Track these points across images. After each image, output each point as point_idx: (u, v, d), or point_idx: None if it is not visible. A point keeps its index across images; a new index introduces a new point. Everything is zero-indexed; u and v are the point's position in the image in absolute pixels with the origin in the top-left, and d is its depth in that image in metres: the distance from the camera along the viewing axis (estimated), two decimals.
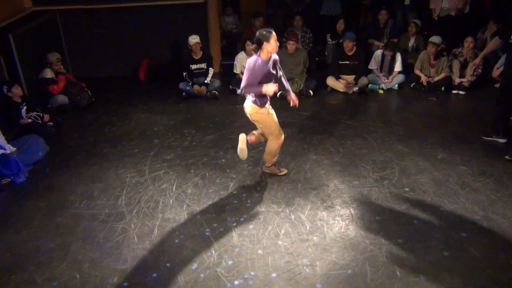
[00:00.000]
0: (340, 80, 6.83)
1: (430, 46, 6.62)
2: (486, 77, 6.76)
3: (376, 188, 4.19)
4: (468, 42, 6.58)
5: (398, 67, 6.82)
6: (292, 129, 5.53)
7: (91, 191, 4.29)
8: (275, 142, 4.25)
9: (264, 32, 3.84)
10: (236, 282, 3.09)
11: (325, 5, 8.27)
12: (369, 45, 7.85)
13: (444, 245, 3.39)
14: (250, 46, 6.69)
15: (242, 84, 3.95)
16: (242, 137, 4.33)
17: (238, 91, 3.93)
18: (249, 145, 4.39)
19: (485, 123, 5.57)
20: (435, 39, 6.60)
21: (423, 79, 6.77)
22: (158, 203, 4.06)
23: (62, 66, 6.43)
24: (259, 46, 3.88)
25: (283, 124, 5.64)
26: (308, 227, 3.64)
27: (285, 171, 4.49)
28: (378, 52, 6.90)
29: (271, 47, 3.85)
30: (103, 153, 5.07)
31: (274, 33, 3.86)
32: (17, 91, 5.36)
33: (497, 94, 5.05)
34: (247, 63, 3.96)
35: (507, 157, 4.55)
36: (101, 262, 3.32)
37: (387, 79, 6.83)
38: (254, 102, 4.05)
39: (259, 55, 3.91)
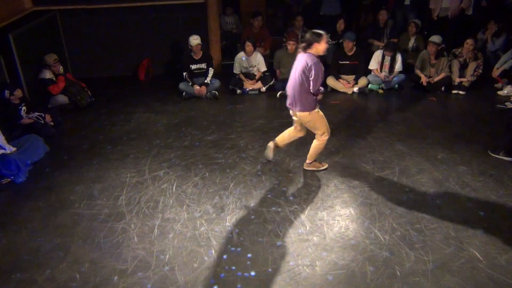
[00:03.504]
0: (340, 80, 6.84)
1: (430, 45, 6.62)
2: (486, 77, 6.76)
3: (376, 188, 4.19)
4: (469, 44, 6.57)
5: (398, 67, 6.82)
6: None
7: (91, 191, 4.29)
8: (324, 138, 4.31)
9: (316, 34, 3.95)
10: (236, 282, 3.09)
11: (325, 5, 8.26)
12: (369, 45, 7.84)
13: (444, 245, 3.39)
14: (249, 46, 6.74)
15: (316, 85, 4.03)
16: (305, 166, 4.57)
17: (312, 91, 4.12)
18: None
19: (486, 123, 5.58)
20: (436, 38, 6.61)
21: (423, 79, 6.77)
22: (158, 203, 4.06)
23: (61, 67, 6.42)
24: (308, 46, 3.98)
25: (283, 124, 5.68)
26: (308, 227, 3.64)
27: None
28: (378, 52, 6.89)
29: (321, 47, 3.97)
30: (103, 153, 5.07)
31: (325, 35, 3.97)
32: (18, 94, 5.37)
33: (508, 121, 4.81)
34: (313, 64, 3.98)
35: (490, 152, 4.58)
36: (101, 262, 3.32)
37: (387, 78, 6.82)
38: (313, 103, 4.14)
39: (310, 53, 4.01)
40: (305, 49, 4.03)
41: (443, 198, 3.99)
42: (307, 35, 4.01)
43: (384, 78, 6.80)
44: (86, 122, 6.03)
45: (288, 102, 4.27)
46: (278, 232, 3.60)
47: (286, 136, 4.56)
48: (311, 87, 4.03)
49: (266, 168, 4.60)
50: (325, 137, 4.33)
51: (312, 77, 4.00)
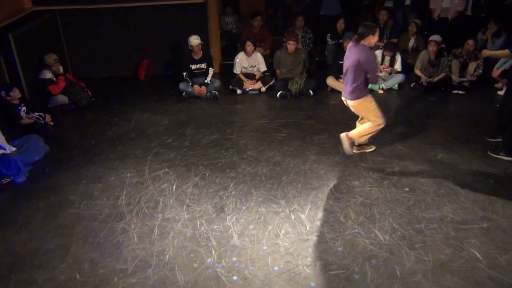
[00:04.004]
0: (340, 80, 6.83)
1: (432, 44, 6.61)
2: (486, 77, 6.76)
3: (376, 188, 4.19)
4: (469, 45, 6.57)
5: (398, 67, 6.82)
6: (292, 129, 5.53)
7: (91, 191, 4.29)
8: (374, 125, 4.50)
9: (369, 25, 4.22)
10: (236, 282, 3.09)
11: (325, 5, 8.27)
12: None
13: (444, 245, 3.39)
14: (250, 46, 6.75)
15: (374, 74, 4.31)
16: (342, 136, 4.62)
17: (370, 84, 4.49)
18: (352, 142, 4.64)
19: (485, 123, 5.58)
20: (436, 37, 6.61)
21: (423, 79, 6.77)
22: (158, 203, 4.06)
23: (61, 67, 6.42)
24: (362, 37, 4.20)
25: (283, 124, 5.69)
26: (308, 227, 3.64)
27: (374, 148, 4.79)
28: (378, 52, 6.89)
29: (374, 40, 4.21)
30: (103, 153, 5.07)
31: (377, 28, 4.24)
32: (15, 94, 5.34)
33: (506, 117, 4.79)
34: (371, 56, 4.31)
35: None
36: (101, 262, 3.32)
37: (387, 77, 6.82)
38: (363, 91, 4.40)
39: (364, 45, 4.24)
40: (358, 41, 4.23)
41: (443, 198, 3.99)
42: (360, 28, 4.22)
43: (383, 69, 6.78)
44: (86, 122, 6.03)
45: (342, 92, 4.54)
46: (278, 232, 3.60)
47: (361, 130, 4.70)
48: (370, 77, 4.29)
49: (266, 168, 4.60)
50: (379, 124, 4.50)
51: (370, 68, 4.24)
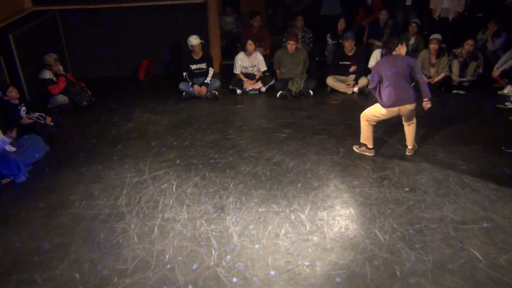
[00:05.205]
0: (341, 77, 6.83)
1: (434, 42, 6.57)
2: (486, 77, 6.76)
3: (376, 188, 4.19)
4: (469, 45, 6.56)
5: None
6: (292, 129, 5.53)
7: (91, 191, 4.29)
8: (361, 122, 4.79)
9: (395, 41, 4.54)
10: (236, 282, 3.09)
11: (325, 5, 8.26)
12: (369, 45, 7.84)
13: (444, 245, 3.39)
14: (251, 44, 6.74)
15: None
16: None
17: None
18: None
19: (485, 123, 5.58)
20: (438, 35, 6.60)
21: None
22: (158, 203, 4.06)
23: (61, 67, 6.41)
24: (393, 49, 4.49)
25: (283, 124, 5.69)
26: (308, 227, 3.64)
27: (373, 153, 4.82)
28: (377, 51, 6.87)
29: (404, 50, 4.56)
30: (103, 153, 5.07)
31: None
32: (12, 94, 5.31)
33: None
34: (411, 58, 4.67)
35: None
36: (101, 262, 3.32)
37: None
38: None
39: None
40: (390, 52, 4.49)
41: (443, 198, 3.99)
42: (389, 44, 4.53)
43: None
44: (86, 122, 6.03)
45: (395, 100, 4.49)
46: (278, 232, 3.60)
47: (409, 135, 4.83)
48: (422, 78, 4.54)
49: (266, 168, 4.60)
50: (364, 118, 4.77)
51: (418, 67, 4.56)
